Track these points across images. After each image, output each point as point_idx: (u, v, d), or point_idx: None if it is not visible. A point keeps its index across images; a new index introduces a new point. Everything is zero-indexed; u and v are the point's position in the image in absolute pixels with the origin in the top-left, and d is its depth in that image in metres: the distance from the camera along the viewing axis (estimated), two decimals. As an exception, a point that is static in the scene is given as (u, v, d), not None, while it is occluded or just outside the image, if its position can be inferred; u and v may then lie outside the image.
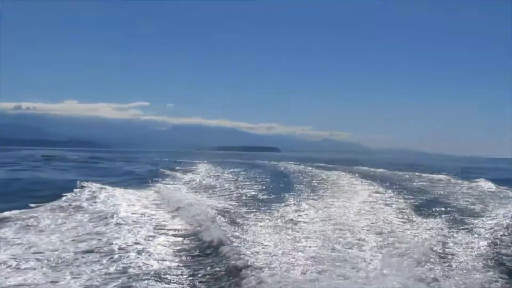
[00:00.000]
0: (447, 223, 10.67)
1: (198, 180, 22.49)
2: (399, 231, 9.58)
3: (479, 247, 8.34)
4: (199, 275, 6.83)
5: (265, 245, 8.04)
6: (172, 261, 7.55)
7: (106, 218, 10.77)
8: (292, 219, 10.75)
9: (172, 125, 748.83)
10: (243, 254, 7.35)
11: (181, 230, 9.88)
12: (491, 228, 10.05)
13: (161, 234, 9.45)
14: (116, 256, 7.60)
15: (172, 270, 7.08)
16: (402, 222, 10.80)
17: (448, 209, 13.10)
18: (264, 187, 19.06)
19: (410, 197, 15.59)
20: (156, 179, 23.34)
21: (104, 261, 7.39)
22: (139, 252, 7.82)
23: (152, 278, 6.62)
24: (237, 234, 8.90)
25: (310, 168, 32.97)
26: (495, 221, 10.99)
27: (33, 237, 9.18)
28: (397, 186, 19.29)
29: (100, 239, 8.77)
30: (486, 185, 20.07)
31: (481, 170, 40.10)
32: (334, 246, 8.05)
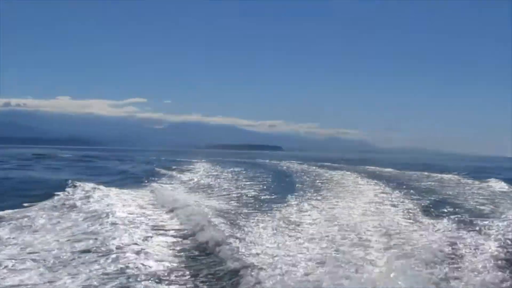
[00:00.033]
0: (456, 224, 10.35)
1: (196, 180, 22.12)
2: (406, 232, 9.28)
3: (489, 249, 8.07)
4: (199, 275, 6.74)
5: (267, 246, 7.86)
6: (171, 261, 7.42)
7: (101, 217, 10.61)
8: (294, 220, 10.49)
9: (170, 122, 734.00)
10: (243, 254, 7.20)
11: (179, 231, 9.71)
12: (502, 229, 9.73)
13: (158, 234, 9.30)
14: (113, 256, 7.45)
15: (171, 270, 6.96)
16: (409, 223, 10.49)
17: (457, 209, 12.75)
18: (265, 187, 18.71)
19: (418, 197, 15.20)
20: (152, 178, 23.09)
21: (102, 261, 7.25)
22: (136, 252, 7.66)
23: (151, 278, 6.51)
24: (237, 234, 8.68)
25: (314, 167, 32.55)
26: (506, 222, 10.69)
27: (28, 236, 9.08)
28: (405, 186, 18.86)
29: (96, 239, 8.62)
30: (498, 185, 19.57)
31: (498, 170, 39.30)
32: (338, 248, 7.82)
